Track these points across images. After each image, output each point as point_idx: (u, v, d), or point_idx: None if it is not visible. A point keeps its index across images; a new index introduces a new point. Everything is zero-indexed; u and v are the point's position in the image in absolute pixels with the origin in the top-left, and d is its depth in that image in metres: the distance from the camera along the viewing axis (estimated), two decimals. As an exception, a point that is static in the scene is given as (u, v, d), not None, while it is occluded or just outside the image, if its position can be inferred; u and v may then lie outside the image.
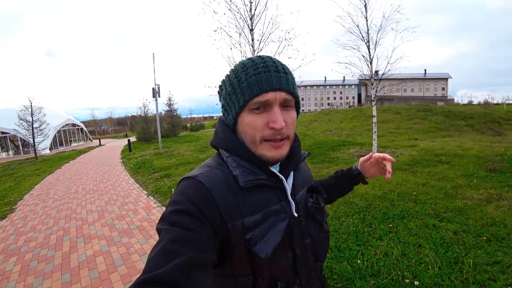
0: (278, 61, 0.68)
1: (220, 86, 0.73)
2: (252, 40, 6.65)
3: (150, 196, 5.93)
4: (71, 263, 3.17)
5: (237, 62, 0.70)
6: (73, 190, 7.14)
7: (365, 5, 8.28)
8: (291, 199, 0.71)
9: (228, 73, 0.70)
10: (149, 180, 7.42)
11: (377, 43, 8.28)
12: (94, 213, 5.00)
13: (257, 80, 0.62)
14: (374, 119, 8.60)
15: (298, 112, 0.72)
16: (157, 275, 0.45)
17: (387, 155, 0.86)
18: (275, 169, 0.71)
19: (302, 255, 0.73)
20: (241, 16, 6.43)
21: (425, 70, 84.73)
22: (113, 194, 6.31)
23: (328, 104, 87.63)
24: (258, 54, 0.70)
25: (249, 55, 6.74)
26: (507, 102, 35.42)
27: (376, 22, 8.31)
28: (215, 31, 6.34)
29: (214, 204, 0.60)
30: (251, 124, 0.64)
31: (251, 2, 6.38)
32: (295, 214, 0.71)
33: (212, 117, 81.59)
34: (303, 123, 19.67)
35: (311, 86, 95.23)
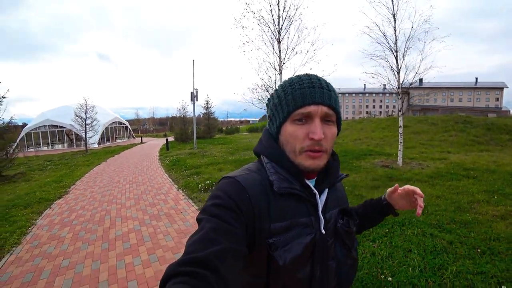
0: (324, 79, 0.73)
1: (268, 99, 0.80)
2: (279, 51, 7.12)
3: (179, 189, 6.65)
4: (110, 236, 3.91)
5: (286, 79, 0.76)
6: (116, 180, 8.16)
7: (393, 15, 8.36)
8: (321, 215, 0.73)
9: (277, 88, 0.77)
10: (181, 176, 8.20)
11: (405, 53, 8.29)
12: (131, 200, 5.82)
13: (301, 94, 0.68)
14: (400, 130, 8.57)
15: (339, 129, 0.76)
16: (197, 257, 0.51)
17: (417, 189, 0.84)
18: (310, 183, 0.74)
19: (321, 275, 0.73)
20: (269, 29, 6.95)
21: (476, 78, 78.12)
22: (149, 186, 7.15)
23: (367, 112, 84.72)
24: (306, 73, 0.75)
25: (276, 66, 7.23)
26: None
27: (405, 32, 8.28)
28: (243, 44, 6.94)
29: (249, 202, 0.65)
30: (292, 134, 0.69)
31: (279, 17, 6.88)
32: (323, 231, 0.73)
33: (248, 121, 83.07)
34: (334, 130, 19.57)
35: (350, 93, 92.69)
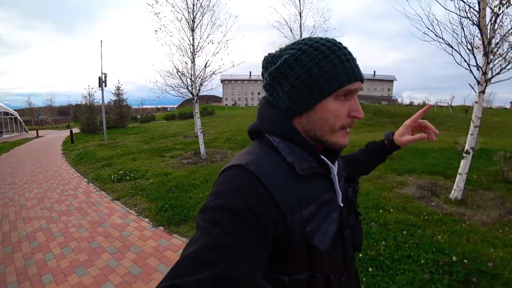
0: None
1: (285, 64, 0.63)
2: (193, 39, 7.27)
3: (90, 183, 6.36)
4: (12, 239, 3.63)
5: (309, 41, 0.63)
6: (9, 181, 7.11)
7: (300, 13, 9.40)
8: (338, 189, 0.70)
9: (304, 50, 0.61)
10: (90, 169, 7.70)
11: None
12: (33, 200, 5.31)
13: (351, 67, 0.60)
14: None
15: None
16: (181, 284, 0.40)
17: (428, 124, 0.88)
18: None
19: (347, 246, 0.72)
20: (183, 17, 7.02)
21: (374, 71, 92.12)
22: (53, 183, 6.54)
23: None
24: (332, 38, 0.65)
25: (190, 54, 7.37)
26: (438, 104, 41.43)
27: (309, 29, 9.48)
28: (156, 31, 6.85)
29: (268, 198, 0.55)
30: (335, 111, 0.61)
31: (193, 5, 7.00)
32: (341, 204, 0.70)
33: (166, 108, 78.62)
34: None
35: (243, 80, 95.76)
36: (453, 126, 16.08)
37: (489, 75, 3.86)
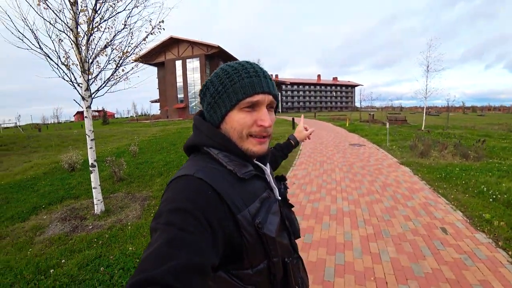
0: (263, 68, 0.74)
1: (205, 87, 0.75)
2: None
3: None
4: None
5: (223, 65, 0.74)
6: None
7: None
8: (274, 186, 0.81)
9: (217, 73, 0.73)
10: None
11: None
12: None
13: (250, 83, 0.68)
14: None
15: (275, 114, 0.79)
16: (150, 276, 0.43)
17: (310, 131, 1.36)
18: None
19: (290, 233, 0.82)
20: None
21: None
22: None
23: None
24: (246, 60, 0.73)
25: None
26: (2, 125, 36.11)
27: None
28: None
29: (217, 200, 0.60)
30: (241, 121, 0.69)
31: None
32: (279, 198, 0.81)
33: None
34: None
35: None
36: (41, 146, 15.12)
37: (93, 91, 4.12)
